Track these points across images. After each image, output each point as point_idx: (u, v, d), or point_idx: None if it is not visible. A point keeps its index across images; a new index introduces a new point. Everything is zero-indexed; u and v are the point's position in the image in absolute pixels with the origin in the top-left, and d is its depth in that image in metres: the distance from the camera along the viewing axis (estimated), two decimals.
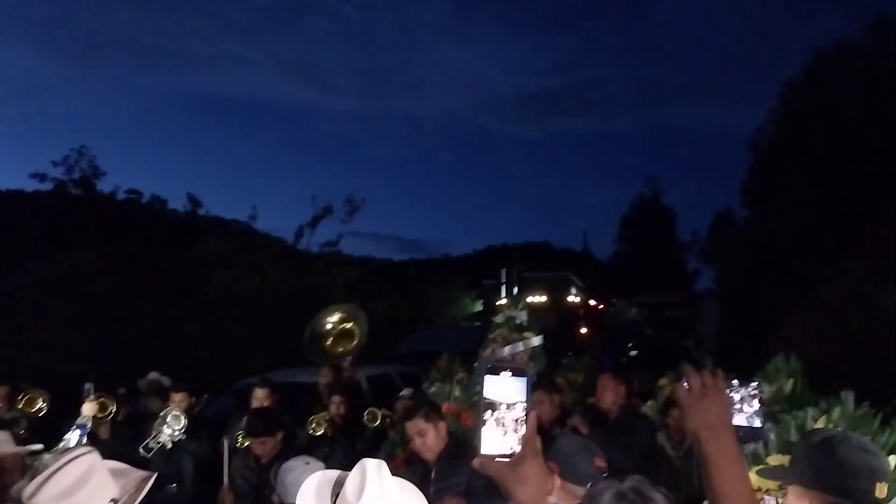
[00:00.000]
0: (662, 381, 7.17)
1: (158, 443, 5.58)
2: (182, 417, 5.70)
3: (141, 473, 2.35)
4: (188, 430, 5.78)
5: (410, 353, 12.71)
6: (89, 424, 4.44)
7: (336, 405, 6.43)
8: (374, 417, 6.39)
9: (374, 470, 1.62)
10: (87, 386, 4.92)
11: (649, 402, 6.84)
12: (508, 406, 1.35)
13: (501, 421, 1.35)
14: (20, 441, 3.61)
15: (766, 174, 19.81)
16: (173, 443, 5.61)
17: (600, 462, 2.96)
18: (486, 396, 1.36)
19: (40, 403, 5.80)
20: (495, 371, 1.38)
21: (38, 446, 3.57)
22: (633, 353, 19.31)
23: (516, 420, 1.35)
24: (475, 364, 5.91)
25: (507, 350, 5.74)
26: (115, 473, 2.26)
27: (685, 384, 1.59)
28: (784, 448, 3.23)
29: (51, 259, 17.23)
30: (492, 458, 1.35)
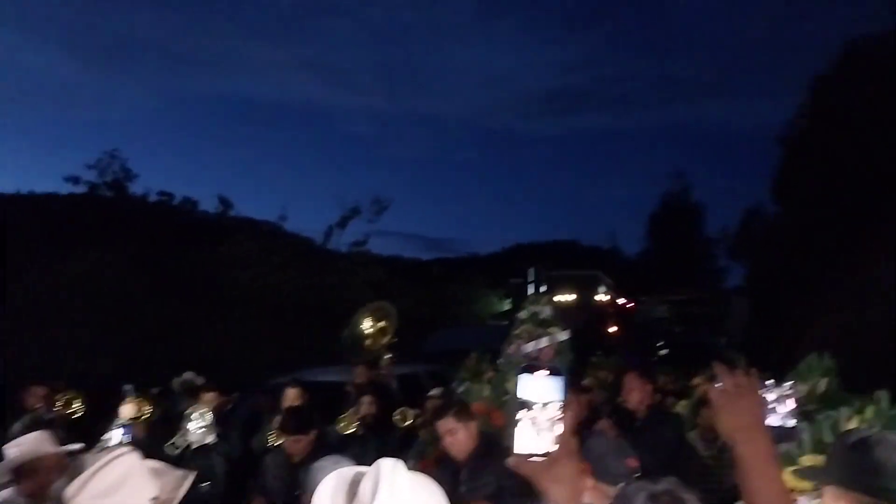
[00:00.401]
0: (696, 381, 7.11)
1: (185, 441, 5.63)
2: (207, 414, 5.73)
3: (179, 472, 2.39)
4: (219, 430, 5.82)
5: (437, 351, 12.71)
6: (131, 425, 4.51)
7: (366, 404, 6.47)
8: (405, 417, 6.41)
9: (388, 470, 1.62)
10: (127, 387, 5.00)
11: (682, 402, 6.79)
12: (543, 405, 1.35)
13: (535, 420, 1.35)
14: (60, 441, 3.66)
15: (796, 169, 19.53)
16: (205, 442, 5.65)
17: (633, 462, 2.95)
18: (521, 396, 1.36)
19: (77, 404, 5.90)
20: (530, 370, 1.37)
21: (78, 446, 3.63)
22: (663, 351, 19.15)
23: (550, 419, 1.35)
24: (499, 360, 5.91)
25: (530, 346, 5.73)
26: (155, 473, 2.30)
27: (718, 385, 1.57)
28: (818, 448, 3.19)
29: (84, 260, 17.50)
30: (526, 457, 1.35)
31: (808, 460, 3.09)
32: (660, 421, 5.34)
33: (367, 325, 6.61)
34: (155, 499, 2.10)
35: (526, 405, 1.36)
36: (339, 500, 1.62)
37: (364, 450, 5.90)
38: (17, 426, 5.37)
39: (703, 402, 5.91)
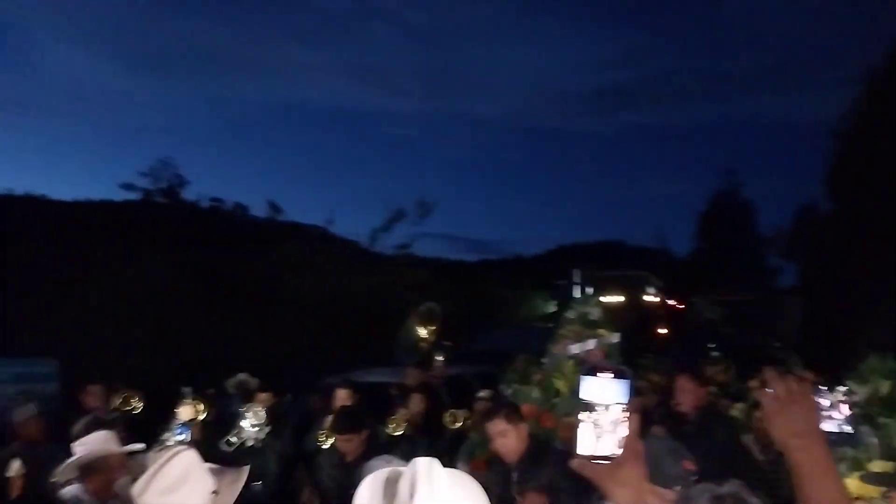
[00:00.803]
0: (753, 383, 6.96)
1: (240, 439, 5.72)
2: (262, 413, 5.82)
3: (234, 469, 2.45)
4: (272, 429, 5.92)
5: (484, 352, 12.70)
6: (188, 425, 4.61)
7: (415, 405, 6.51)
8: (455, 419, 6.42)
9: (425, 468, 1.63)
10: (185, 390, 5.11)
11: (738, 405, 6.66)
12: (606, 407, 1.34)
13: (599, 422, 1.34)
14: (122, 441, 3.77)
15: (851, 164, 19.05)
16: (258, 441, 5.75)
17: (689, 465, 2.92)
18: (584, 397, 1.35)
19: (135, 402, 6.04)
20: (592, 372, 1.37)
21: (140, 446, 3.73)
22: (715, 353, 18.85)
23: (613, 422, 1.34)
24: (544, 360, 5.89)
25: (576, 347, 5.69)
26: (211, 469, 2.37)
27: (769, 390, 1.54)
28: (887, 454, 3.10)
29: (140, 265, 17.95)
30: (590, 459, 1.34)
31: (877, 466, 3.01)
32: (713, 424, 5.25)
33: (421, 329, 6.66)
34: (215, 492, 2.16)
35: (589, 407, 1.35)
36: (378, 501, 1.64)
37: (413, 450, 5.93)
38: (79, 426, 5.52)
39: (759, 404, 5.79)
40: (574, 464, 1.36)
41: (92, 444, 3.63)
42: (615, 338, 5.81)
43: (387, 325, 18.69)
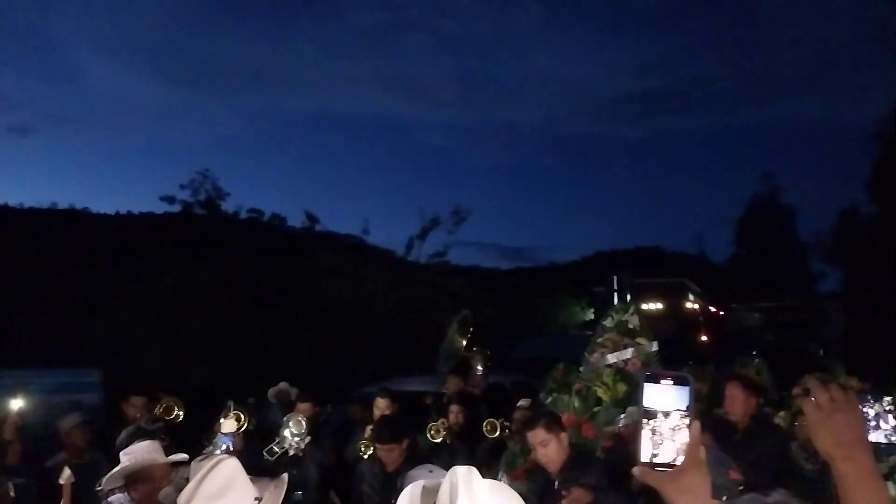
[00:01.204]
0: (795, 391, 6.82)
1: (282, 448, 5.74)
2: (303, 423, 5.85)
3: (275, 479, 2.47)
4: (313, 439, 5.94)
5: (522, 361, 12.64)
6: (232, 436, 4.66)
7: (454, 414, 6.50)
8: (494, 428, 6.38)
9: (464, 476, 1.62)
10: (229, 403, 5.17)
11: (782, 413, 6.54)
12: (665, 414, 1.33)
13: (658, 429, 1.33)
14: (167, 451, 3.83)
15: (893, 167, 18.65)
16: (299, 450, 5.77)
17: (735, 475, 2.87)
18: (644, 404, 1.35)
19: (176, 412, 6.11)
20: (654, 379, 1.36)
21: (183, 456, 3.78)
22: (756, 360, 18.53)
23: (673, 429, 1.33)
24: (580, 369, 5.83)
25: (613, 356, 5.63)
26: (253, 479, 2.39)
27: (812, 399, 1.51)
28: None
29: (180, 275, 18.24)
30: (652, 466, 1.33)
31: None
32: (763, 433, 5.15)
33: (460, 338, 6.67)
34: (258, 500, 2.19)
35: (650, 414, 1.34)
36: None
37: (453, 459, 5.91)
38: (124, 435, 5.61)
39: (802, 412, 5.68)
40: (636, 471, 1.35)
41: (137, 453, 3.69)
42: (654, 346, 5.74)
43: (423, 333, 18.77)
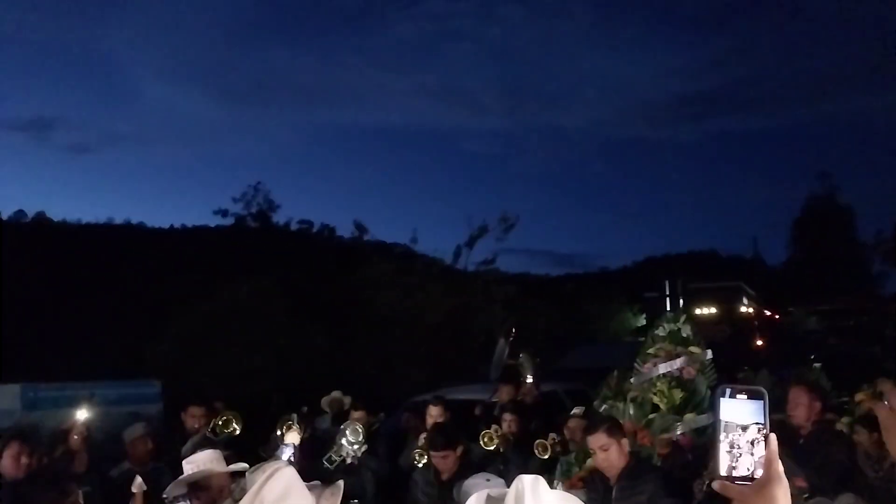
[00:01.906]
0: (860, 396, 6.63)
1: (340, 456, 5.78)
2: (360, 430, 5.88)
3: (330, 486, 2.50)
4: (367, 448, 5.97)
5: (575, 369, 12.55)
6: (294, 447, 4.75)
7: (507, 422, 6.48)
8: (545, 449, 6.28)
9: (530, 485, 1.62)
10: (293, 415, 5.27)
11: (844, 419, 6.35)
12: (743, 428, 1.36)
13: (736, 443, 1.36)
14: (228, 461, 3.91)
15: None
16: (355, 459, 5.80)
17: (800, 482, 2.81)
18: (721, 418, 1.38)
19: (234, 425, 6.20)
20: (729, 393, 1.39)
21: (243, 465, 3.85)
22: (816, 364, 18.06)
23: (751, 442, 1.35)
24: (631, 379, 5.76)
25: (665, 366, 5.55)
26: (308, 487, 2.43)
27: (886, 403, 1.48)
28: None
29: (233, 287, 18.58)
30: (731, 480, 1.35)
31: None
32: (827, 439, 5.01)
33: (510, 346, 6.66)
34: None
35: (727, 428, 1.37)
36: None
37: (507, 467, 5.90)
38: (188, 445, 5.73)
39: (867, 419, 5.51)
40: (716, 486, 1.38)
41: (199, 462, 3.78)
42: (708, 354, 5.65)
43: (473, 341, 18.77)
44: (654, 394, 5.51)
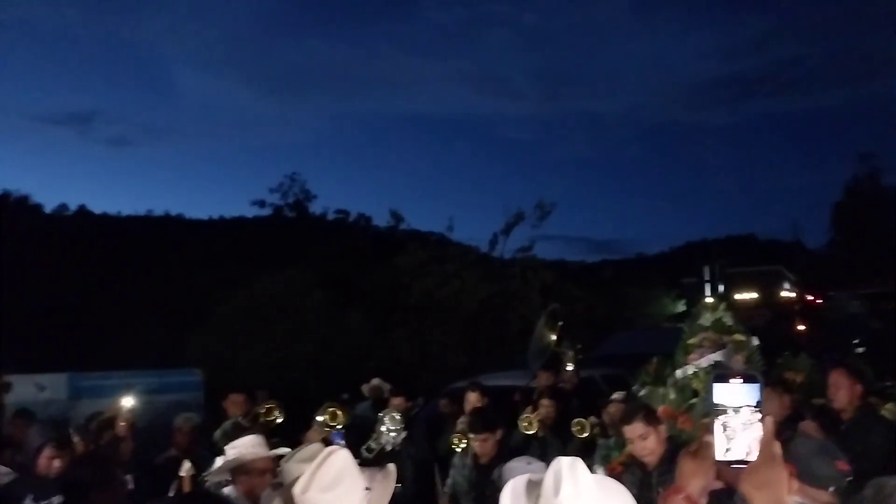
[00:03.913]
0: None
1: (379, 444, 5.82)
2: (398, 418, 5.92)
3: (382, 469, 2.51)
4: (407, 434, 6.00)
5: (613, 355, 12.46)
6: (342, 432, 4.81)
7: (545, 408, 6.48)
8: (583, 428, 6.29)
9: (568, 468, 1.62)
10: (345, 396, 5.33)
11: (888, 405, 6.22)
12: (736, 411, 1.37)
13: (729, 425, 1.37)
14: (270, 446, 3.96)
15: None
16: (396, 446, 5.84)
17: (843, 465, 2.77)
18: (715, 402, 1.38)
19: (276, 414, 6.27)
20: (722, 378, 1.39)
21: (286, 450, 3.90)
22: (860, 349, 17.69)
23: (743, 424, 1.36)
24: (676, 372, 5.69)
25: (716, 355, 5.47)
26: (361, 470, 2.45)
27: None
28: None
29: (271, 277, 18.81)
30: (727, 463, 1.36)
31: None
32: (870, 424, 4.92)
33: (550, 332, 6.63)
34: (368, 489, 2.24)
35: (720, 411, 1.38)
36: (522, 500, 1.66)
37: (545, 452, 5.91)
38: (218, 433, 5.83)
39: None
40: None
41: (241, 447, 3.84)
42: (753, 341, 5.56)
43: (510, 328, 18.76)
44: (695, 378, 5.44)
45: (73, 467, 4.61)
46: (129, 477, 4.92)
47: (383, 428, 5.75)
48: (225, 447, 3.97)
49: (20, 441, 5.98)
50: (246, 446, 3.82)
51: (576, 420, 6.39)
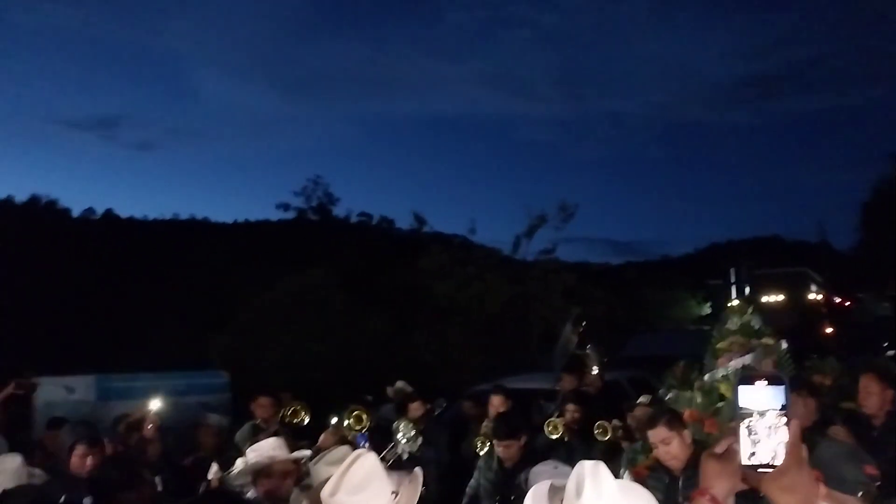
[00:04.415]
0: None
1: (395, 454, 5.81)
2: (412, 427, 5.89)
3: (409, 473, 2.52)
4: (426, 438, 5.98)
5: (638, 357, 12.40)
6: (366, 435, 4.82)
7: (570, 412, 6.45)
8: (605, 431, 6.25)
9: (590, 472, 1.62)
10: (369, 397, 5.34)
11: None
12: (761, 414, 1.34)
13: (754, 429, 1.35)
14: (291, 448, 3.97)
15: None
16: (414, 453, 5.81)
17: (871, 469, 2.73)
18: (741, 406, 1.37)
19: (302, 416, 6.30)
20: (748, 380, 1.38)
21: (306, 452, 3.91)
22: (890, 352, 17.43)
23: (769, 428, 1.34)
24: (705, 377, 5.63)
25: (747, 358, 5.41)
26: (388, 473, 2.45)
27: None
28: None
29: (294, 279, 18.92)
30: (753, 467, 1.34)
31: None
32: None
33: (574, 335, 6.62)
34: (395, 493, 2.25)
35: (745, 414, 1.36)
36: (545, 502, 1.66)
37: (570, 456, 5.87)
38: (239, 436, 5.87)
39: None
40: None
41: (262, 449, 3.85)
42: (782, 344, 5.50)
43: (533, 331, 18.71)
44: (722, 382, 5.39)
45: (101, 468, 4.67)
46: (157, 478, 4.96)
47: (399, 436, 5.76)
48: (246, 450, 3.99)
49: (53, 449, 6.09)
50: (266, 449, 3.83)
51: (598, 423, 6.35)
